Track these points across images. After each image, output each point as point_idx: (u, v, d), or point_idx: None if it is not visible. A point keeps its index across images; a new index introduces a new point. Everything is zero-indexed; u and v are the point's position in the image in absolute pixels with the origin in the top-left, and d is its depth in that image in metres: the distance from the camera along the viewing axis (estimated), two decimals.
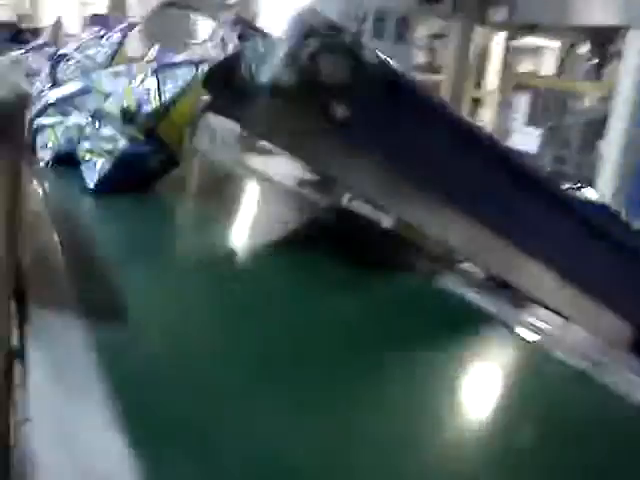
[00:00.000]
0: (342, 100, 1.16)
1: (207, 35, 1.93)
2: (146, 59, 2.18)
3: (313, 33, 1.14)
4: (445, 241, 1.37)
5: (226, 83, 1.56)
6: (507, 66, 6.19)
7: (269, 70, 1.16)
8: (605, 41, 5.14)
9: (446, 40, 6.15)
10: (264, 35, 1.59)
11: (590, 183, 4.88)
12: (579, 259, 1.33)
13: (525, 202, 1.31)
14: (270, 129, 1.22)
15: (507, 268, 1.31)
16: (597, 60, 5.33)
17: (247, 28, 1.66)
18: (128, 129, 1.73)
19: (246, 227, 1.72)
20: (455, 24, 5.84)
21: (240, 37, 1.64)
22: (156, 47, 2.22)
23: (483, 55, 6.31)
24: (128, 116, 1.72)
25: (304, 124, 1.18)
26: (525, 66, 6.93)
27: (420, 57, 6.39)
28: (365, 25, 5.05)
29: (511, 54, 6.25)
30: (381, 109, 1.20)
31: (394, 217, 1.51)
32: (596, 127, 4.89)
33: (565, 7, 4.90)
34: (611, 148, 4.68)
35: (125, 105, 1.73)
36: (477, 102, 6.58)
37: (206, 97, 1.65)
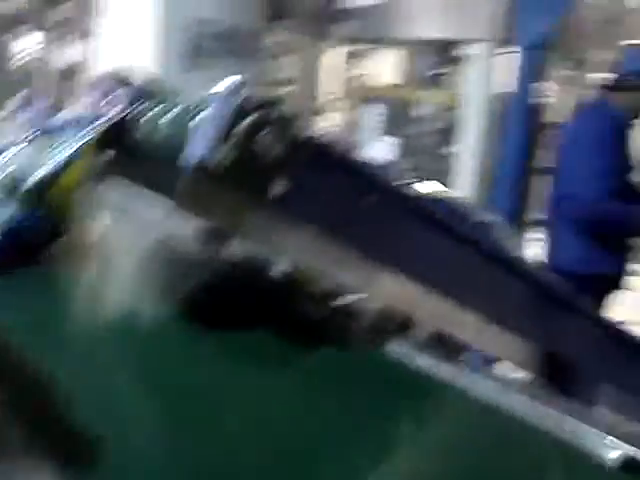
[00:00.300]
0: (279, 175, 1.10)
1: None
2: (5, 111, 2.01)
3: (246, 108, 1.08)
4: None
5: (122, 147, 1.46)
6: (354, 76, 6.28)
7: (199, 145, 1.09)
8: (448, 50, 5.30)
9: (292, 53, 6.18)
10: (164, 96, 1.49)
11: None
12: (462, 275, 1.34)
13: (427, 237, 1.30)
14: (197, 204, 1.14)
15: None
16: (442, 68, 5.50)
17: (140, 87, 1.56)
18: (13, 197, 1.59)
19: (141, 294, 1.60)
20: (302, 38, 5.87)
21: (134, 97, 1.53)
22: (18, 97, 2.06)
23: (328, 66, 6.37)
24: (12, 184, 1.58)
25: (238, 201, 1.11)
26: (367, 72, 7.03)
27: (268, 71, 6.37)
28: (214, 44, 4.99)
29: (355, 62, 6.35)
30: (315, 180, 1.16)
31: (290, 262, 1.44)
32: (448, 134, 5.04)
33: (408, 21, 5.02)
34: (464, 155, 4.83)
35: (8, 172, 1.59)
36: (326, 112, 6.65)
37: (100, 161, 1.54)
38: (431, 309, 1.31)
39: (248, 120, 1.06)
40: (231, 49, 5.33)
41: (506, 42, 4.26)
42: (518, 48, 3.76)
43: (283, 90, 6.32)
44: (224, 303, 1.37)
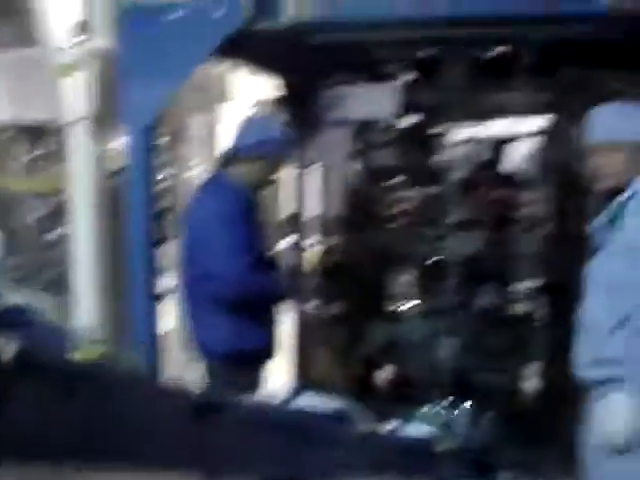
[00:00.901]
0: None
1: None
2: None
3: None
4: None
5: None
6: None
7: None
8: (44, 134, 4.93)
9: None
10: None
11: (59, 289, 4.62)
12: None
13: None
14: None
15: None
16: (36, 153, 5.09)
17: None
18: None
19: None
20: None
21: None
22: None
23: None
24: None
25: None
26: None
27: None
28: None
29: None
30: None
31: None
32: (54, 219, 4.64)
33: None
34: (77, 237, 4.48)
35: None
36: None
37: None
38: None
39: None
40: None
41: (115, 121, 4.08)
42: (128, 126, 3.59)
43: None
44: None
